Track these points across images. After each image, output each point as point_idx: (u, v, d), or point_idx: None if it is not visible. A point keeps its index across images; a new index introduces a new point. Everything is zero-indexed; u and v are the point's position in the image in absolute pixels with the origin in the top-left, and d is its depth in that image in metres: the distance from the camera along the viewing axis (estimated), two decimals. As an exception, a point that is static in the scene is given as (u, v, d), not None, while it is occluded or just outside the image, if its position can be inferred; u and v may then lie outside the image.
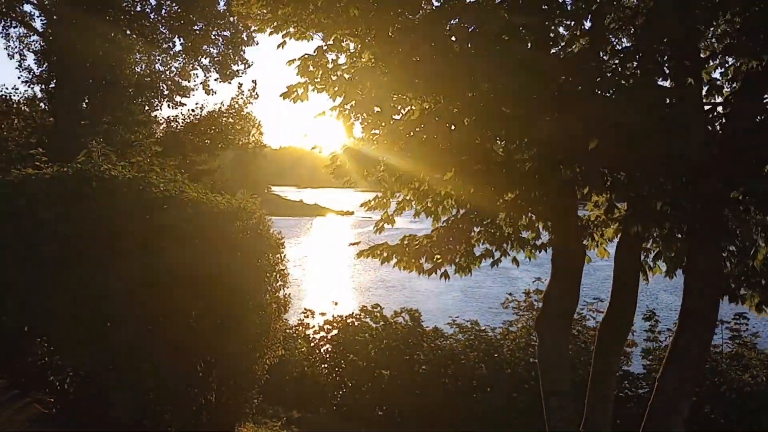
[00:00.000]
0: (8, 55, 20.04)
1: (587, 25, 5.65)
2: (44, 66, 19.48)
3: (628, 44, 6.05)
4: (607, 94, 5.21)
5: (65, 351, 6.95)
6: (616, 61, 5.48)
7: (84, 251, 6.37)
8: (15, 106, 20.01)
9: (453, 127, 5.24)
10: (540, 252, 6.81)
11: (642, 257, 6.65)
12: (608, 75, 5.37)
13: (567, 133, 4.69)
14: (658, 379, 6.17)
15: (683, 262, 6.22)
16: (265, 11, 6.15)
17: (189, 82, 20.12)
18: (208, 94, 20.69)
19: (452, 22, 5.15)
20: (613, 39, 5.96)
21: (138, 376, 6.03)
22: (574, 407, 6.47)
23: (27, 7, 19.94)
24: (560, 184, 5.69)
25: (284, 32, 6.24)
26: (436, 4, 5.75)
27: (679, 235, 6.07)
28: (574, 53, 5.54)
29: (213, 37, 19.05)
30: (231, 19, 18.38)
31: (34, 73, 19.78)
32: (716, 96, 6.07)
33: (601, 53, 5.50)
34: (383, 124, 5.64)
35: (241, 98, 20.81)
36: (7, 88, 19.97)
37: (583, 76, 5.05)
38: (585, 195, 6.16)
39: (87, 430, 6.60)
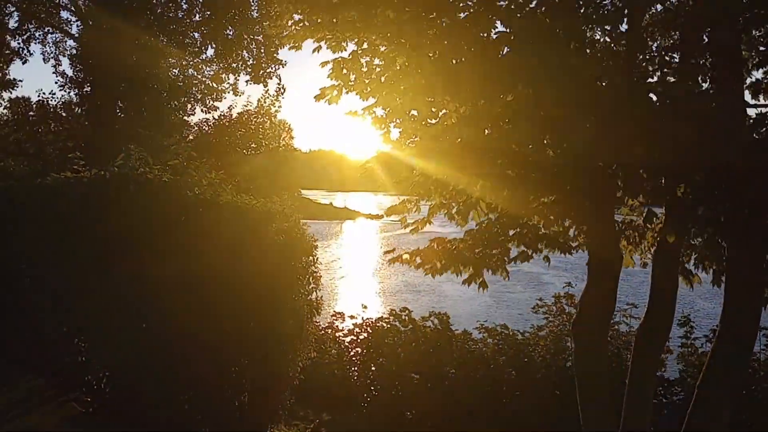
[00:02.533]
0: (43, 59, 20.43)
1: (623, 27, 5.58)
2: (80, 71, 19.83)
3: (666, 46, 5.95)
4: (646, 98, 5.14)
5: (101, 351, 7.05)
6: (655, 66, 5.41)
7: (121, 254, 6.47)
8: (52, 110, 20.39)
9: (489, 132, 5.21)
10: (576, 252, 6.69)
11: (684, 263, 6.52)
12: (647, 79, 5.29)
13: (608, 139, 4.63)
14: (697, 386, 6.06)
15: (723, 271, 6.10)
16: (298, 27, 6.16)
17: (221, 86, 20.29)
18: (236, 95, 20.74)
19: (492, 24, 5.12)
20: (651, 42, 5.88)
21: (173, 378, 6.08)
22: (612, 413, 6.38)
23: (64, 14, 20.40)
24: (597, 189, 5.62)
25: (318, 36, 6.24)
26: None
27: (722, 242, 5.94)
28: (611, 56, 5.47)
29: (245, 42, 19.18)
30: (263, 24, 18.49)
31: (70, 78, 20.14)
32: (760, 97, 5.92)
33: (638, 56, 5.43)
34: (420, 129, 5.62)
35: (268, 98, 20.89)
36: (44, 93, 20.33)
37: (622, 80, 4.98)
38: (621, 199, 6.07)
39: (123, 431, 6.67)
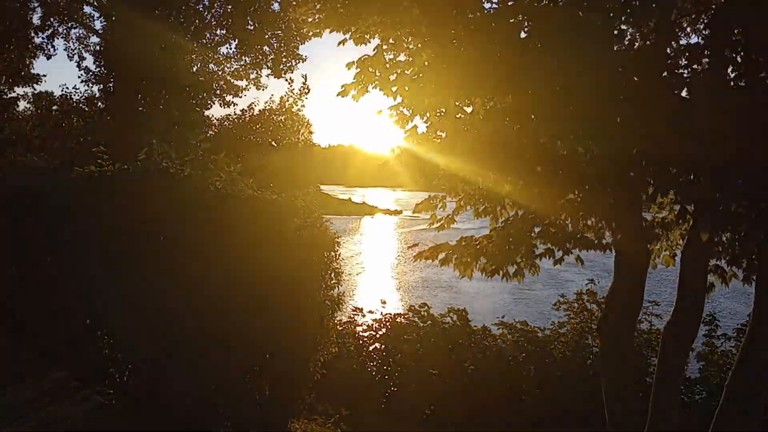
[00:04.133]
0: (68, 56, 20.62)
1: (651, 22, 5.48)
2: (102, 66, 19.99)
3: (697, 39, 5.85)
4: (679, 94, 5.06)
5: (125, 345, 7.11)
6: (685, 60, 5.31)
7: (144, 248, 6.51)
8: (75, 105, 20.60)
9: (517, 127, 5.16)
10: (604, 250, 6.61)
11: (715, 261, 6.42)
12: (677, 72, 5.21)
13: (641, 134, 4.56)
14: (726, 386, 6.00)
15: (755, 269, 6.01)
16: (321, 16, 6.14)
17: (242, 81, 20.34)
18: (258, 89, 20.76)
19: (520, 19, 5.06)
20: (681, 34, 5.77)
21: (195, 372, 6.11)
22: (638, 411, 6.33)
23: (87, 9, 20.56)
24: (626, 185, 5.55)
25: (343, 29, 6.19)
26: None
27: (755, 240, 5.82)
28: (640, 50, 5.38)
29: (266, 37, 19.18)
30: (284, 18, 18.48)
31: (92, 73, 20.31)
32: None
33: (668, 50, 5.34)
34: (447, 124, 5.57)
35: (292, 96, 20.91)
36: (68, 88, 20.55)
37: (653, 75, 4.91)
38: (650, 196, 5.99)
39: (144, 428, 6.72)
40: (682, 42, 5.61)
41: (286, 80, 20.41)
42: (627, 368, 6.35)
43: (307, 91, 20.87)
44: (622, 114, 4.70)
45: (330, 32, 6.06)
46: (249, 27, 18.90)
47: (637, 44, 5.42)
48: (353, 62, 5.96)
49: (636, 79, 5.00)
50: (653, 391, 6.47)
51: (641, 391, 7.21)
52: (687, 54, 5.35)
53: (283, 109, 20.78)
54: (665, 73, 5.13)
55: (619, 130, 4.66)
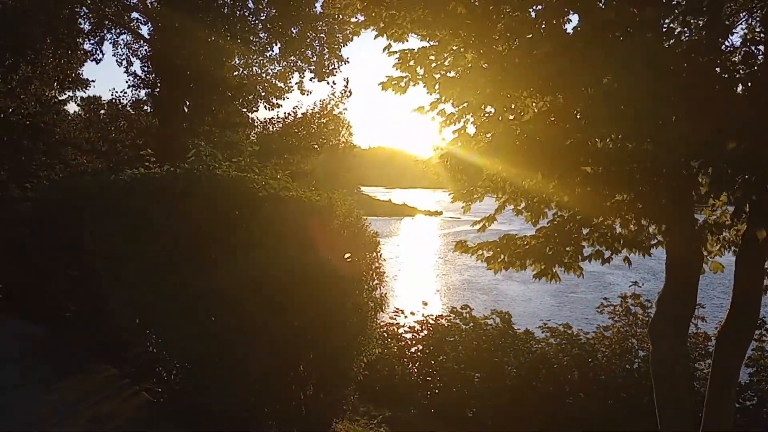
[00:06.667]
0: (116, 61, 21.15)
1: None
2: (150, 71, 20.45)
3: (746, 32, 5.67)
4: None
5: (171, 344, 7.23)
6: (740, 56, 5.15)
7: (189, 248, 6.61)
8: (123, 109, 21.14)
9: (567, 126, 5.07)
10: (654, 251, 6.47)
11: None
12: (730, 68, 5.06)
13: (697, 133, 4.44)
14: None
15: None
16: (362, 16, 6.14)
17: (285, 84, 20.55)
18: (303, 94, 20.97)
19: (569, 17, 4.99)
20: (733, 29, 5.60)
21: (241, 372, 6.17)
22: (691, 415, 6.18)
23: (134, 15, 21.06)
24: (678, 186, 5.42)
25: (381, 29, 6.16)
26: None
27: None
28: (693, 45, 5.23)
29: (309, 40, 19.36)
30: (327, 20, 18.63)
31: (140, 77, 20.81)
32: None
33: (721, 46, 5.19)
34: (494, 125, 5.52)
35: (333, 99, 21.07)
36: (116, 92, 21.11)
37: (707, 71, 4.78)
38: (702, 197, 5.84)
39: (191, 429, 6.83)
40: (734, 38, 5.49)
41: (329, 83, 20.56)
42: (679, 372, 6.19)
43: (349, 94, 21.02)
44: (675, 112, 4.59)
45: (375, 37, 6.06)
46: (292, 30, 19.09)
47: (685, 39, 5.29)
48: (395, 51, 5.90)
49: (688, 75, 4.87)
50: (707, 395, 6.31)
51: (691, 394, 7.02)
52: (743, 50, 5.20)
53: (325, 112, 20.96)
54: (718, 70, 5.00)
55: (671, 129, 4.55)
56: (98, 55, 20.57)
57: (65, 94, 19.91)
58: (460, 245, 6.63)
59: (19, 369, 8.34)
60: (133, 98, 21.18)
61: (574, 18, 5.15)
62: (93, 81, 20.71)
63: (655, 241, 6.38)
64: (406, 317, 13.01)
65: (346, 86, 21.17)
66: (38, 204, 11.49)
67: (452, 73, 5.81)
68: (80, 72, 20.32)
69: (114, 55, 21.09)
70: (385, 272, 7.32)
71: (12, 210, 12.98)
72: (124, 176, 8.35)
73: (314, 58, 19.61)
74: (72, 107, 21.12)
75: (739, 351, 6.36)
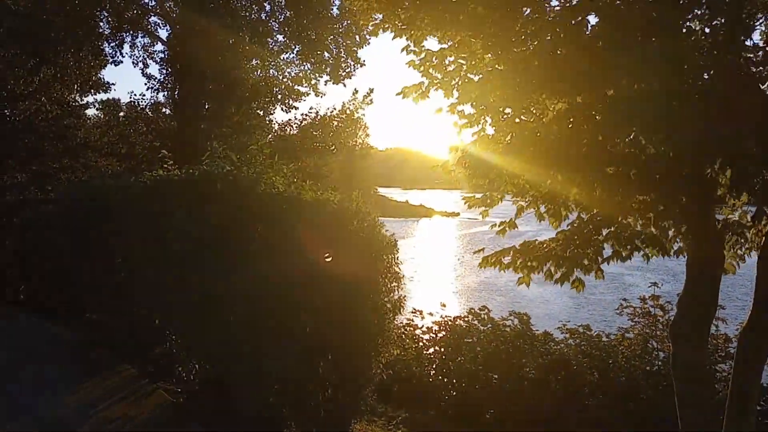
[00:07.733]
0: (132, 63, 21.29)
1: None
2: (168, 73, 20.59)
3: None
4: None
5: (190, 344, 7.30)
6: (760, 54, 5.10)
7: (209, 250, 6.67)
8: (141, 111, 21.31)
9: (587, 127, 5.06)
10: (676, 255, 6.42)
11: None
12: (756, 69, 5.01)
13: (717, 133, 4.41)
14: None
15: None
16: (380, 15, 6.17)
17: (302, 86, 20.59)
18: (317, 96, 21.00)
19: (589, 18, 4.97)
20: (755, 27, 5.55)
21: (260, 373, 6.21)
22: (712, 417, 6.13)
23: (153, 18, 21.22)
24: (698, 187, 5.37)
25: (400, 29, 6.17)
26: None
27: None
28: (711, 45, 5.19)
29: (326, 42, 19.39)
30: (344, 23, 18.66)
31: (158, 80, 20.96)
32: None
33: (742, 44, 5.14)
34: (514, 126, 5.52)
35: (354, 102, 21.08)
36: (135, 95, 21.26)
37: (729, 71, 4.73)
38: (721, 198, 5.78)
39: (211, 429, 6.88)
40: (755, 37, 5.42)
41: (344, 86, 20.59)
42: (700, 374, 6.14)
43: (370, 102, 21.05)
44: (697, 113, 4.55)
45: (393, 38, 6.08)
46: (310, 33, 19.14)
47: (705, 39, 5.24)
48: (413, 61, 5.95)
49: (708, 75, 4.84)
50: (729, 397, 6.24)
51: (712, 396, 6.95)
52: (765, 48, 5.15)
53: (343, 116, 20.98)
54: (738, 69, 4.95)
55: (691, 129, 4.51)
56: (118, 57, 20.75)
57: (87, 97, 20.11)
58: (485, 261, 6.62)
59: (43, 369, 8.46)
60: (152, 101, 21.35)
61: (592, 19, 5.13)
62: (113, 84, 20.91)
63: (677, 247, 6.32)
64: (423, 318, 13.00)
65: (369, 94, 21.17)
66: (61, 206, 11.64)
67: (471, 76, 5.80)
68: (101, 75, 20.51)
69: (131, 57, 21.16)
70: (402, 274, 7.33)
71: (36, 211, 13.16)
72: (145, 178, 8.43)
73: (331, 61, 19.64)
74: (91, 111, 21.22)
75: (761, 355, 6.28)
